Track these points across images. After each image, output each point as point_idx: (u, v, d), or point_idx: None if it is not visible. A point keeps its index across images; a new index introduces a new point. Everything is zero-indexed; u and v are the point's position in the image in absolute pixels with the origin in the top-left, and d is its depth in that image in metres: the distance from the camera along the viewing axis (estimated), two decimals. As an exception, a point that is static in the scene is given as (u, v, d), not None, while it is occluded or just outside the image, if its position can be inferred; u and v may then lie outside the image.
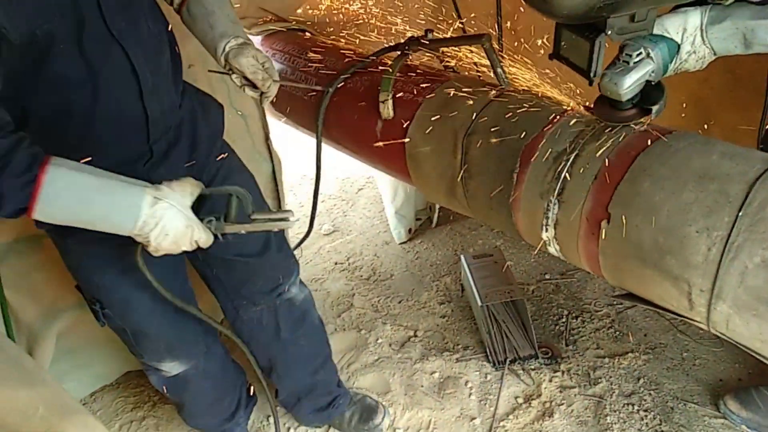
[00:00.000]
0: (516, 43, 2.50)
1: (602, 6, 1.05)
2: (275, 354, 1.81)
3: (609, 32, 1.12)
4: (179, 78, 1.43)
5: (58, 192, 1.03)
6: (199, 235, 1.14)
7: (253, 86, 1.42)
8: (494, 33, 2.48)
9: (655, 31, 1.18)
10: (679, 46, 1.20)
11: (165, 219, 1.09)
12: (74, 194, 1.05)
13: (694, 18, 1.19)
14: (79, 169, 1.06)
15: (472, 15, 2.62)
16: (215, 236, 1.18)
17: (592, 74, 1.18)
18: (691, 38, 1.20)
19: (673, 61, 1.22)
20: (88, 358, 2.14)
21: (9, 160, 0.98)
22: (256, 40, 2.37)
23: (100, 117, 1.21)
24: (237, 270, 1.62)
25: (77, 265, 1.44)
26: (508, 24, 2.41)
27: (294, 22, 2.39)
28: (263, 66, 1.39)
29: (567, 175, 1.26)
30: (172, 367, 1.64)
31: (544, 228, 1.32)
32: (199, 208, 1.17)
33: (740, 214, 1.01)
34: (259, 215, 1.19)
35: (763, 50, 1.17)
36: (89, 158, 1.11)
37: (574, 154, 1.26)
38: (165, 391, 1.75)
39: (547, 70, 1.50)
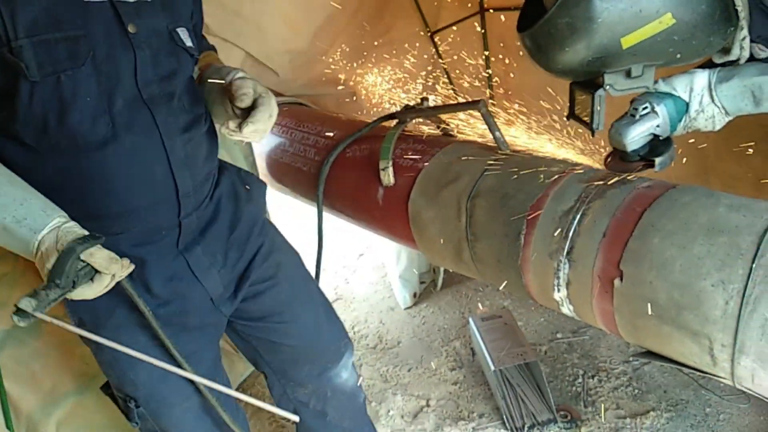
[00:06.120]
0: (506, 102, 2.56)
1: (591, 60, 1.11)
2: (317, 431, 1.73)
3: (607, 87, 1.18)
4: (215, 155, 1.38)
5: None
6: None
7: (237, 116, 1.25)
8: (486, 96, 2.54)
9: (664, 89, 1.23)
10: (687, 104, 1.23)
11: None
12: None
13: (700, 78, 1.21)
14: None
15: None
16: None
17: (594, 126, 1.24)
18: (699, 97, 1.22)
19: (683, 120, 1.24)
20: (89, 448, 2.06)
21: None
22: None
23: (123, 184, 1.16)
24: (283, 353, 1.56)
25: (111, 359, 1.32)
26: (501, 88, 2.48)
27: (291, 96, 2.45)
28: (253, 88, 1.21)
29: (575, 233, 1.25)
30: None
31: (556, 288, 1.30)
32: None
33: (754, 265, 0.99)
34: None
35: None
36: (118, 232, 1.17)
37: (580, 213, 1.26)
38: None
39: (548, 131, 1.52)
